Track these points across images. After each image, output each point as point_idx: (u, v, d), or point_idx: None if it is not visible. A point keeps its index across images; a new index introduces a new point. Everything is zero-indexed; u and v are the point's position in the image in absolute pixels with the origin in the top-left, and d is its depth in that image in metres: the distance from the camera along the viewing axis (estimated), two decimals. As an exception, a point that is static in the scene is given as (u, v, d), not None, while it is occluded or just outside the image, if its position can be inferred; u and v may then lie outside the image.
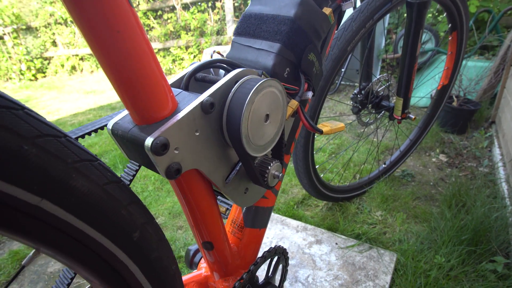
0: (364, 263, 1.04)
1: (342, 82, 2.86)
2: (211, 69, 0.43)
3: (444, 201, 1.25)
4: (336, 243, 1.12)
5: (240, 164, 0.41)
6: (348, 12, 0.89)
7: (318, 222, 1.25)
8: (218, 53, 0.43)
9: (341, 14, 0.53)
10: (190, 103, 0.33)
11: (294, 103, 0.45)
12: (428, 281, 0.93)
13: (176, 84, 0.38)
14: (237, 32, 0.47)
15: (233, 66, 0.40)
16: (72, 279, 0.37)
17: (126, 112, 0.34)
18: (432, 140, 1.79)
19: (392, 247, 1.11)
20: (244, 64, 0.45)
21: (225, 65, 0.40)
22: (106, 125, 0.35)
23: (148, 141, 0.29)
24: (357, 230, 1.17)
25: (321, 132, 0.48)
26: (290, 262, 1.05)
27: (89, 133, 0.36)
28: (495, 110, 1.84)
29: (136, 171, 0.40)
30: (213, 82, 0.36)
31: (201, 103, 0.33)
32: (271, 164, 0.42)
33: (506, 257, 0.99)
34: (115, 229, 0.29)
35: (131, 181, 0.38)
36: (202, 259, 0.59)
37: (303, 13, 0.43)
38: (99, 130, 0.38)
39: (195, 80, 0.41)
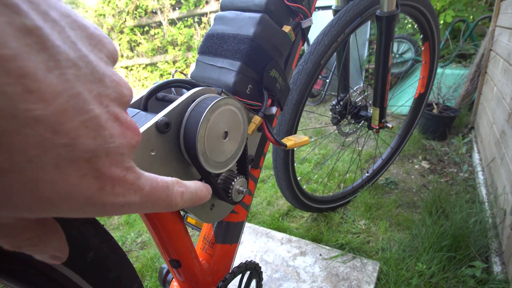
0: (348, 273, 1.04)
1: (328, 93, 2.92)
2: (173, 88, 0.44)
3: (425, 207, 1.27)
4: (320, 254, 1.12)
5: (203, 181, 0.42)
6: (322, 26, 0.92)
7: (303, 233, 1.25)
8: (181, 72, 0.44)
9: (304, 31, 0.55)
10: (145, 123, 0.33)
11: (257, 119, 0.46)
12: (410, 289, 0.93)
13: (136, 105, 0.39)
14: (201, 51, 0.48)
15: (192, 85, 0.41)
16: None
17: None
18: (414, 147, 1.83)
19: (375, 256, 1.11)
20: (207, 82, 0.46)
21: (185, 84, 0.41)
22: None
23: None
24: (341, 240, 1.17)
25: (285, 146, 0.49)
26: (274, 275, 1.05)
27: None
28: (474, 116, 1.90)
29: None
30: (172, 101, 0.37)
31: (156, 123, 0.33)
32: (235, 180, 0.43)
33: (485, 262, 1.00)
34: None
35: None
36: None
37: (262, 32, 0.45)
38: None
39: (157, 100, 0.41)
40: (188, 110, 0.36)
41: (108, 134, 0.16)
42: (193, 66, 0.50)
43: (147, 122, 0.34)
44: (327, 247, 1.14)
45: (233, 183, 0.43)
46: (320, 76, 2.03)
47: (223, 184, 0.43)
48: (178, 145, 0.37)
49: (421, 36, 1.23)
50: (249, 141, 0.49)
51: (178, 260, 0.45)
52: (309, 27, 0.58)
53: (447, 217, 1.16)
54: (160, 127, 0.34)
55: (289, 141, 0.50)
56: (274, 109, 0.50)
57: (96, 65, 0.17)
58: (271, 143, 0.52)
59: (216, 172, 0.39)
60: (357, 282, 1.00)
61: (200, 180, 0.42)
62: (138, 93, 0.39)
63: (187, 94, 0.37)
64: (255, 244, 1.19)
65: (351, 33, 0.94)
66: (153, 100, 0.41)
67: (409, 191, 1.47)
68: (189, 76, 0.49)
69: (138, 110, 0.37)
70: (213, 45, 0.47)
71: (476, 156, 1.61)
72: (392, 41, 0.98)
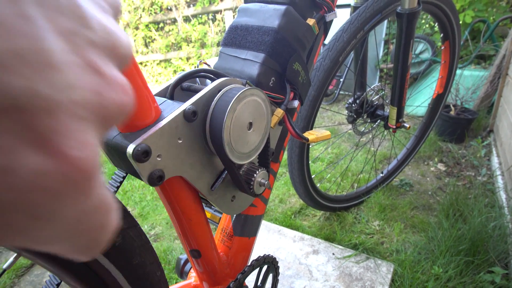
0: (361, 274, 1.02)
1: (341, 92, 2.89)
2: (198, 79, 0.44)
3: (442, 210, 1.24)
4: (333, 253, 1.11)
5: (226, 172, 0.42)
6: (340, 23, 0.91)
7: (315, 232, 1.24)
8: (205, 63, 0.44)
9: (326, 24, 0.54)
10: (172, 111, 0.34)
11: (279, 112, 0.46)
12: (425, 291, 0.92)
13: (162, 94, 0.39)
14: (224, 43, 0.48)
15: (217, 75, 0.41)
16: (58, 285, 0.38)
17: (111, 120, 0.35)
18: (430, 149, 1.79)
19: (389, 257, 1.09)
20: (230, 74, 0.46)
21: (210, 75, 0.41)
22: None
23: (130, 148, 0.30)
24: (354, 240, 1.16)
25: (307, 140, 0.49)
26: (286, 272, 1.04)
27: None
28: (493, 118, 1.85)
29: (123, 178, 0.40)
30: (198, 91, 0.37)
31: (184, 111, 0.34)
32: (257, 172, 0.43)
33: (504, 268, 0.98)
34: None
35: (118, 187, 0.39)
36: (192, 268, 0.59)
37: (287, 24, 0.45)
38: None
39: (182, 90, 0.42)
40: (215, 99, 0.36)
41: (63, 81, 0.11)
42: (208, 62, 0.50)
43: (174, 110, 0.34)
44: (340, 247, 1.13)
45: (255, 175, 0.43)
46: (334, 75, 2.01)
47: (245, 176, 0.43)
48: (203, 134, 0.37)
49: (441, 35, 1.21)
50: (270, 135, 0.49)
51: (199, 250, 0.45)
52: (332, 21, 0.57)
53: (465, 220, 1.13)
54: (188, 115, 0.34)
55: (310, 135, 0.49)
56: (296, 103, 0.49)
57: (80, 1, 0.12)
58: (289, 138, 0.52)
59: (239, 162, 0.39)
60: (370, 283, 0.98)
61: (223, 171, 0.42)
62: (152, 89, 0.39)
63: (213, 83, 0.37)
64: (267, 241, 1.19)
65: (370, 30, 0.93)
66: (178, 90, 0.42)
67: (425, 193, 1.44)
68: (212, 67, 0.49)
69: (165, 99, 0.37)
70: (236, 37, 0.47)
71: (495, 160, 1.56)
72: (413, 39, 0.96)
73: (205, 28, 4.18)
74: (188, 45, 4.35)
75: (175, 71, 4.49)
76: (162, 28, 4.60)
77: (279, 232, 1.22)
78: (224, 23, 4.05)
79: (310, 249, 1.14)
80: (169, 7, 4.36)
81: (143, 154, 0.30)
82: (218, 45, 4.16)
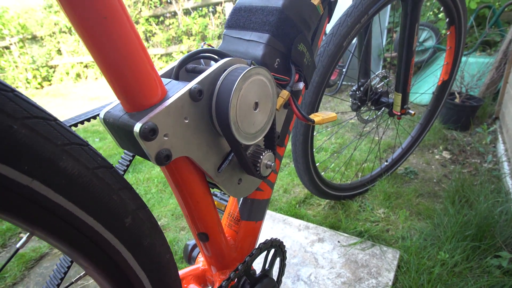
0: (367, 260, 1.03)
1: (344, 83, 2.86)
2: (202, 60, 0.44)
3: (448, 197, 1.24)
4: (339, 241, 1.11)
5: (233, 154, 0.42)
6: (343, 7, 0.90)
7: (320, 220, 1.24)
8: (209, 45, 0.44)
9: (331, 5, 0.53)
10: (178, 90, 0.33)
11: (285, 93, 0.46)
12: (431, 277, 0.92)
13: (167, 75, 0.39)
14: (228, 25, 0.48)
15: (222, 55, 0.41)
16: (68, 267, 0.38)
17: (117, 101, 0.35)
18: (435, 137, 1.78)
19: (395, 244, 1.10)
20: (234, 56, 0.46)
21: (214, 55, 0.41)
22: (98, 115, 0.35)
23: (137, 126, 0.30)
24: (359, 228, 1.16)
25: (312, 121, 0.48)
26: (292, 261, 1.05)
27: (81, 122, 0.37)
28: (499, 105, 1.83)
29: (130, 161, 0.40)
30: (203, 71, 0.37)
31: (189, 90, 0.33)
32: (263, 154, 0.43)
33: (511, 252, 0.97)
34: (107, 213, 0.30)
35: (125, 171, 0.39)
36: (200, 253, 0.60)
37: (291, 3, 0.44)
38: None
39: (186, 71, 0.41)
40: (220, 78, 0.36)
41: None
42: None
43: (180, 89, 0.34)
44: (346, 234, 1.13)
45: (261, 157, 0.42)
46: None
47: (252, 158, 0.43)
48: (209, 114, 0.37)
49: (447, 19, 1.19)
50: (275, 117, 0.49)
51: (206, 234, 0.45)
52: (336, 2, 0.56)
53: (471, 206, 1.13)
54: (194, 95, 0.33)
55: (316, 117, 0.49)
56: (301, 85, 0.49)
57: None
58: (295, 122, 0.51)
59: (245, 143, 0.39)
60: (376, 269, 0.99)
61: (230, 153, 0.42)
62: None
63: (218, 63, 0.37)
64: (272, 230, 1.20)
65: (374, 15, 0.91)
66: (183, 71, 0.41)
67: (430, 181, 1.43)
68: (216, 51, 0.48)
69: (170, 79, 0.37)
70: (240, 18, 0.47)
71: (501, 147, 1.55)
72: (418, 23, 0.94)
73: (206, 21, 4.15)
74: (189, 38, 4.32)
75: (176, 65, 4.48)
76: (162, 22, 4.58)
77: (284, 222, 1.23)
78: (224, 15, 4.01)
79: (315, 237, 1.14)
80: (169, 0, 4.33)
81: (150, 132, 0.30)
82: (219, 37, 4.13)
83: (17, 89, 0.24)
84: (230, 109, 0.34)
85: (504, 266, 0.91)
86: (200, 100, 0.34)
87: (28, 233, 0.29)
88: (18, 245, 0.30)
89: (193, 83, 0.34)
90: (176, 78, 0.38)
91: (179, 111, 0.33)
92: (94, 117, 0.38)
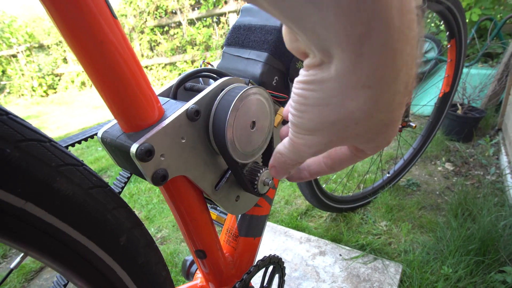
0: (369, 274, 1.01)
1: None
2: (201, 79, 0.44)
3: (450, 210, 1.22)
4: (340, 255, 1.10)
5: (230, 171, 0.42)
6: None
7: (322, 233, 1.23)
8: (208, 63, 0.45)
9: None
10: (175, 110, 0.34)
11: (282, 111, 0.46)
12: (434, 292, 0.90)
13: (165, 94, 0.39)
14: (227, 43, 0.49)
15: (220, 75, 0.41)
16: (65, 286, 0.38)
17: (115, 121, 0.35)
18: (437, 148, 1.77)
19: (397, 258, 1.08)
20: (233, 74, 0.46)
21: (212, 74, 0.41)
22: (96, 134, 0.36)
23: (134, 147, 0.30)
24: (361, 241, 1.15)
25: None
26: (293, 274, 1.04)
27: (79, 142, 0.37)
28: (501, 117, 1.82)
29: (128, 179, 0.40)
30: (201, 90, 0.37)
31: (187, 111, 0.34)
32: (261, 171, 0.43)
33: (516, 268, 0.95)
34: (101, 233, 0.30)
35: (122, 188, 0.39)
36: (198, 269, 0.59)
37: (290, 23, 0.44)
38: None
39: (184, 89, 0.42)
40: (218, 98, 0.36)
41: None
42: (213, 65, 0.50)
43: (177, 109, 0.34)
44: (347, 248, 1.12)
45: (259, 174, 0.42)
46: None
47: (249, 175, 0.43)
48: (206, 134, 0.37)
49: (447, 33, 1.19)
50: (273, 134, 0.49)
51: (204, 251, 0.45)
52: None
53: (474, 220, 1.11)
54: (191, 115, 0.34)
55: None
56: (300, 102, 0.49)
57: None
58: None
59: (242, 162, 0.39)
60: (379, 284, 0.97)
61: (227, 171, 0.42)
62: (155, 89, 0.39)
63: (216, 83, 0.37)
64: (273, 242, 1.19)
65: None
66: (181, 90, 0.42)
67: (432, 193, 1.42)
68: (216, 68, 0.49)
69: (168, 99, 0.37)
70: (239, 36, 0.47)
71: (504, 159, 1.54)
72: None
73: (210, 31, 4.21)
74: (193, 48, 4.38)
75: (179, 75, 4.53)
76: (167, 32, 4.65)
77: (285, 234, 1.22)
78: (228, 25, 4.07)
79: (317, 250, 1.13)
80: (173, 11, 4.40)
81: (146, 154, 0.30)
82: (222, 47, 4.18)
83: (12, 112, 0.25)
84: (227, 129, 0.35)
85: (509, 282, 0.89)
86: (197, 120, 0.35)
87: (22, 254, 0.29)
88: (12, 266, 0.30)
89: (190, 103, 0.34)
90: (174, 97, 0.39)
91: (176, 131, 0.33)
92: (92, 137, 0.38)
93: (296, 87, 0.22)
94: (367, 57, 0.17)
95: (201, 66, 0.43)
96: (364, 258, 1.07)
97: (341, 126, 0.21)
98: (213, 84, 0.37)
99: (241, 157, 0.38)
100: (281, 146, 0.27)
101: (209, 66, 0.43)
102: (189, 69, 4.35)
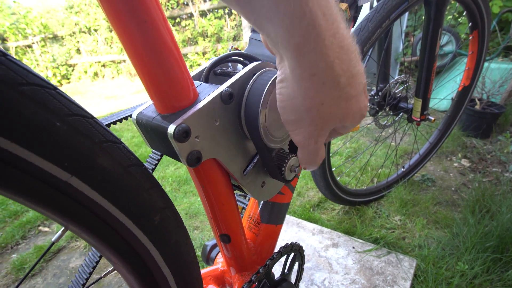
0: (382, 268, 1.01)
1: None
2: (230, 64, 0.44)
3: (467, 206, 1.20)
4: (353, 247, 1.10)
5: (258, 156, 0.42)
6: (364, 12, 0.89)
7: (335, 225, 1.23)
8: (236, 48, 0.44)
9: (357, 9, 0.53)
10: (210, 93, 0.34)
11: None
12: (450, 288, 0.89)
13: (197, 77, 0.39)
14: (254, 29, 0.48)
15: (250, 59, 0.41)
16: (97, 262, 0.39)
17: (149, 102, 0.36)
18: (453, 144, 1.74)
19: (411, 252, 1.07)
20: (261, 59, 0.46)
21: (242, 59, 0.41)
22: (130, 115, 0.36)
23: (171, 128, 0.31)
24: (375, 235, 1.14)
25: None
26: (306, 265, 1.04)
27: (114, 123, 0.38)
28: (522, 113, 1.77)
29: (158, 160, 0.41)
30: (231, 75, 0.37)
31: (221, 93, 0.34)
32: (288, 157, 0.43)
33: (535, 265, 0.94)
34: (137, 210, 0.31)
35: (153, 170, 0.40)
36: (219, 254, 0.60)
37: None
38: (125, 123, 0.40)
39: (214, 74, 0.42)
40: (250, 82, 0.36)
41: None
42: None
43: (212, 92, 0.34)
44: (360, 241, 1.12)
45: (286, 160, 0.42)
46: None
47: (277, 161, 0.43)
48: (238, 118, 0.37)
49: (470, 24, 1.16)
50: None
51: (228, 235, 0.46)
52: (361, 6, 0.56)
53: (492, 217, 1.10)
54: (225, 98, 0.34)
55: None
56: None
57: None
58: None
59: (272, 146, 0.39)
60: (392, 277, 0.97)
61: (255, 155, 0.42)
62: (199, 66, 0.39)
63: (248, 67, 0.37)
64: (286, 233, 1.19)
65: (396, 19, 0.90)
66: (211, 74, 0.42)
67: (448, 189, 1.40)
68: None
69: (201, 82, 0.37)
70: (268, 23, 0.47)
71: (523, 156, 1.50)
72: (441, 27, 0.93)
73: (221, 23, 4.18)
74: (204, 40, 4.37)
75: (191, 66, 4.53)
76: (178, 23, 4.64)
77: (298, 225, 1.22)
78: (240, 17, 4.04)
79: (330, 242, 1.13)
80: (185, 2, 4.39)
81: (183, 134, 0.31)
82: (234, 39, 4.15)
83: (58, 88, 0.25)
84: (260, 113, 0.35)
85: (527, 280, 0.88)
86: (230, 103, 0.35)
87: (63, 228, 0.30)
88: (53, 239, 0.31)
89: (224, 86, 0.34)
90: (206, 80, 0.39)
91: (210, 113, 0.33)
92: (126, 118, 0.39)
93: (276, 88, 0.28)
94: (307, 55, 0.23)
95: (230, 51, 0.42)
96: (377, 252, 1.07)
97: (315, 110, 0.26)
98: (246, 68, 0.37)
99: (272, 142, 0.38)
100: (299, 156, 0.34)
101: (239, 51, 0.42)
102: (201, 60, 4.35)
